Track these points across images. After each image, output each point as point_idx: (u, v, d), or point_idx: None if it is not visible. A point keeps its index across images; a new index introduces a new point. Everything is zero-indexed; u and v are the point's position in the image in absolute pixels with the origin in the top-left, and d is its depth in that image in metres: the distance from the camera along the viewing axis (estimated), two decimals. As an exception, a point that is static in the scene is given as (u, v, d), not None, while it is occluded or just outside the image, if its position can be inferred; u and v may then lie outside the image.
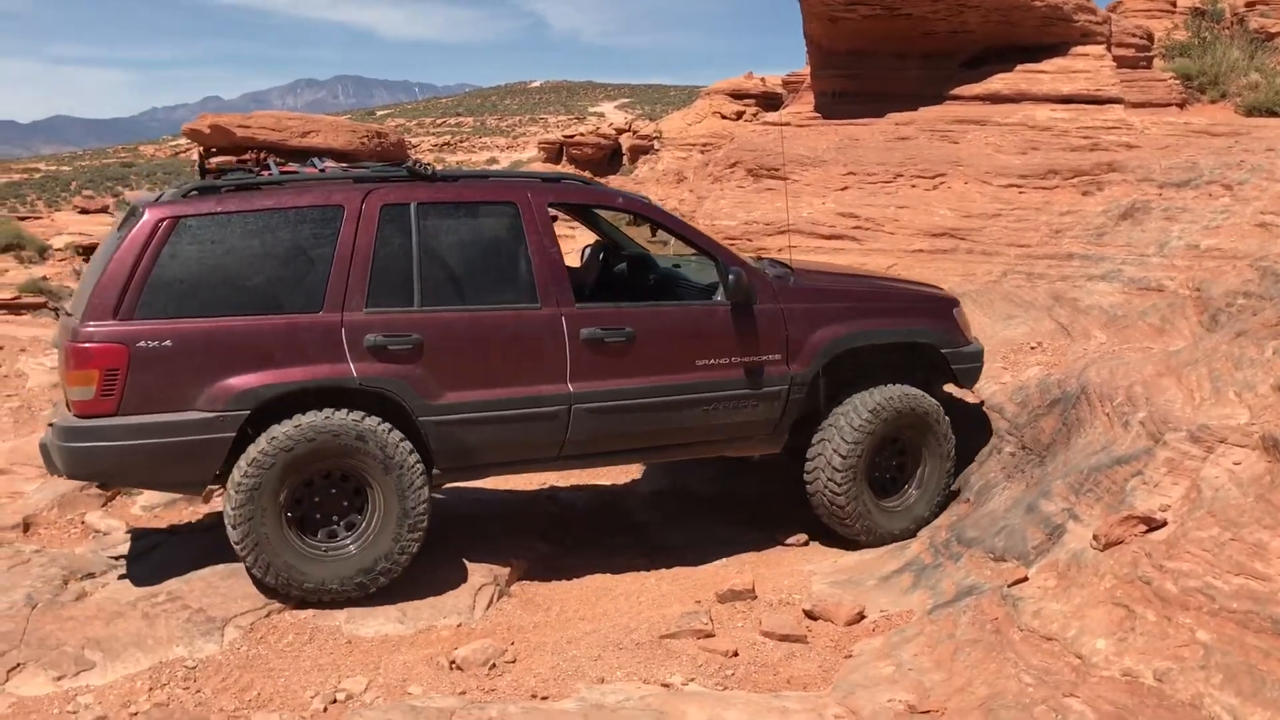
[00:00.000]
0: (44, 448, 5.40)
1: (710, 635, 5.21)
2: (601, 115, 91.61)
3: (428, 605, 5.56)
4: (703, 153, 33.82)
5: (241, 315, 5.18)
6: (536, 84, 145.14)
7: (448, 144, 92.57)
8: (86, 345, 4.98)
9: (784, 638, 5.17)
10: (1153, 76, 12.72)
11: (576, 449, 5.83)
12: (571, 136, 52.72)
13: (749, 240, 10.35)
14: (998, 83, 11.86)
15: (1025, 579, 4.95)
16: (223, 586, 5.53)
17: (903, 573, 5.84)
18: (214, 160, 6.08)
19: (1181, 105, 12.40)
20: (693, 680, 4.78)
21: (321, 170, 5.87)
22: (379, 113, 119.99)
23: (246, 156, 6.08)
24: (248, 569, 5.36)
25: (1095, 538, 4.82)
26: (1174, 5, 16.29)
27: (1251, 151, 9.14)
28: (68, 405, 5.22)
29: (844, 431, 6.16)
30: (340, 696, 4.72)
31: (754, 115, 42.88)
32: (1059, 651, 4.23)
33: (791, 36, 13.59)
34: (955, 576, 5.48)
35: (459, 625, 5.45)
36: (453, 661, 5.00)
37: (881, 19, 11.89)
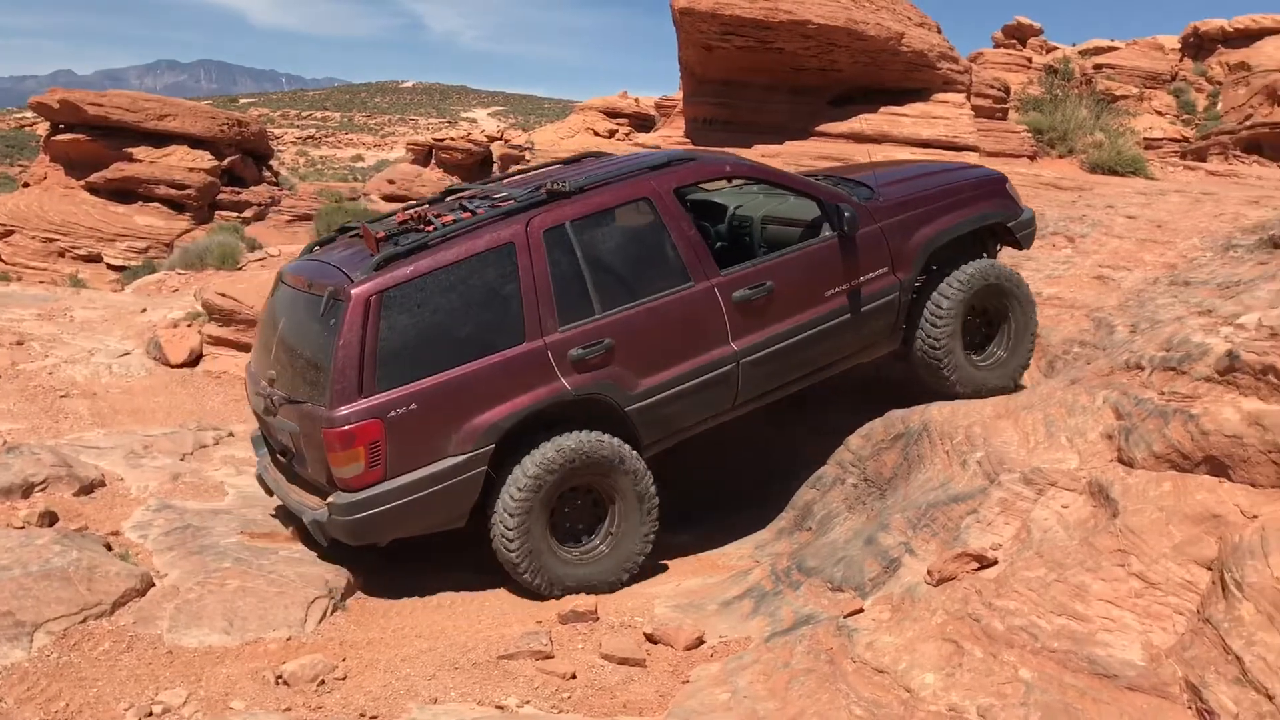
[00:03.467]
0: (316, 525, 5.80)
1: (549, 657, 5.14)
2: (474, 121, 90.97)
3: (256, 616, 5.36)
4: (573, 167, 33.90)
5: (464, 363, 5.68)
6: (409, 84, 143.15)
7: (312, 138, 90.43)
8: (347, 429, 5.47)
9: (623, 661, 5.14)
10: (1007, 128, 13.28)
11: (746, 397, 6.50)
12: (442, 140, 52.10)
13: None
14: (861, 122, 12.21)
15: (861, 610, 5.04)
16: (36, 589, 5.21)
17: (744, 599, 5.89)
18: (369, 224, 6.39)
19: (1032, 158, 12.98)
20: (528, 703, 4.71)
21: (474, 212, 6.14)
22: (242, 100, 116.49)
23: (404, 216, 6.31)
24: (519, 576, 5.88)
25: (929, 573, 4.95)
26: (1029, 61, 17.07)
27: (1093, 207, 9.61)
28: (330, 483, 5.69)
29: (939, 303, 6.86)
30: (156, 710, 4.49)
31: (626, 135, 43.18)
32: (889, 684, 4.31)
33: (667, 60, 13.80)
34: (794, 605, 5.55)
35: (288, 639, 5.26)
36: (280, 676, 4.82)
37: (755, 51, 12.12)
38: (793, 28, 11.74)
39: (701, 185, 7.47)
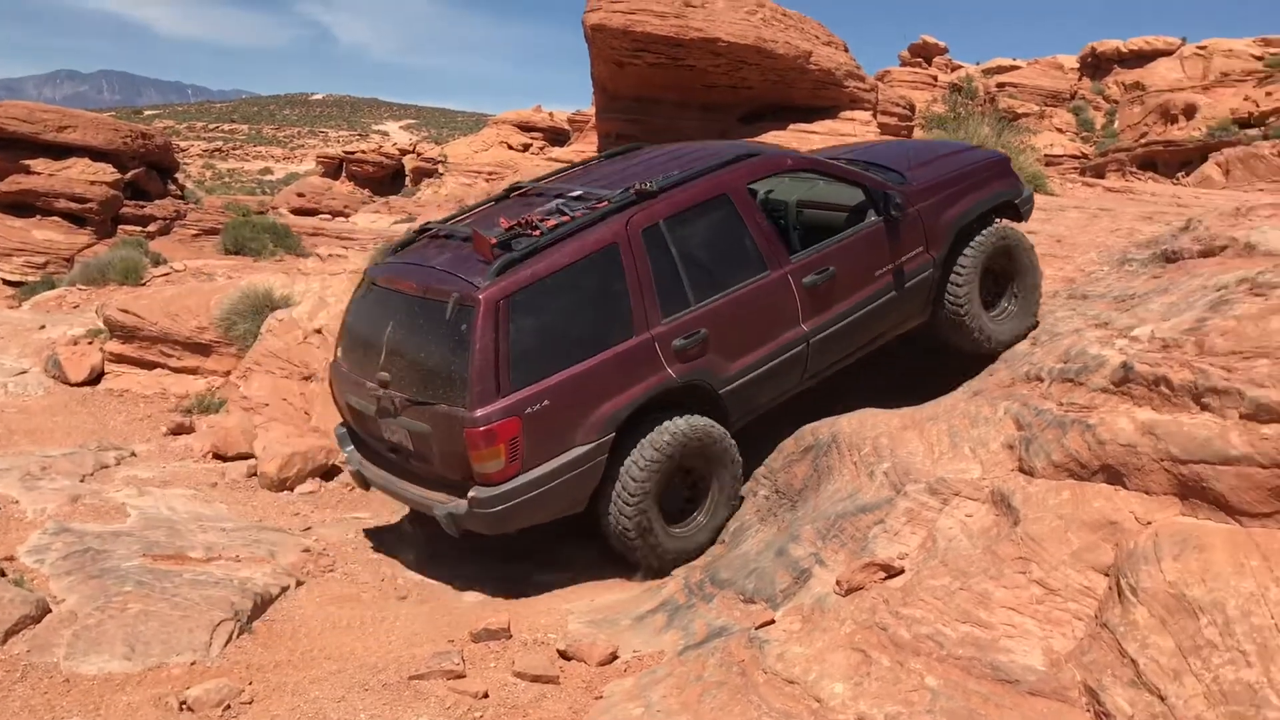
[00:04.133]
0: (450, 518, 6.06)
1: (461, 676, 5.09)
2: (386, 134, 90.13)
3: (159, 641, 5.22)
4: (488, 180, 33.72)
5: (584, 359, 6.01)
6: (319, 96, 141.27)
7: (219, 150, 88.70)
8: (489, 428, 5.75)
9: (536, 678, 5.12)
10: (913, 145, 13.55)
11: (813, 372, 6.98)
12: (353, 153, 51.54)
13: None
14: (771, 139, 12.36)
15: (772, 622, 5.09)
16: (-76, 618, 5.02)
17: (657, 613, 5.90)
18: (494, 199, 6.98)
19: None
20: (440, 722, 4.66)
21: (572, 215, 6.40)
22: (147, 112, 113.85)
23: (509, 222, 6.46)
24: (632, 552, 6.27)
25: (838, 583, 5.02)
26: (935, 80, 17.47)
27: (995, 222, 9.82)
28: (465, 479, 6.00)
29: (959, 274, 7.42)
30: (52, 742, 4.35)
31: (541, 149, 43.18)
32: (799, 695, 4.36)
33: (581, 74, 13.76)
34: (707, 617, 5.58)
35: (193, 663, 5.14)
36: (183, 702, 4.70)
37: (666, 68, 12.21)
38: (703, 45, 11.85)
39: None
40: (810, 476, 6.46)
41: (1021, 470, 5.23)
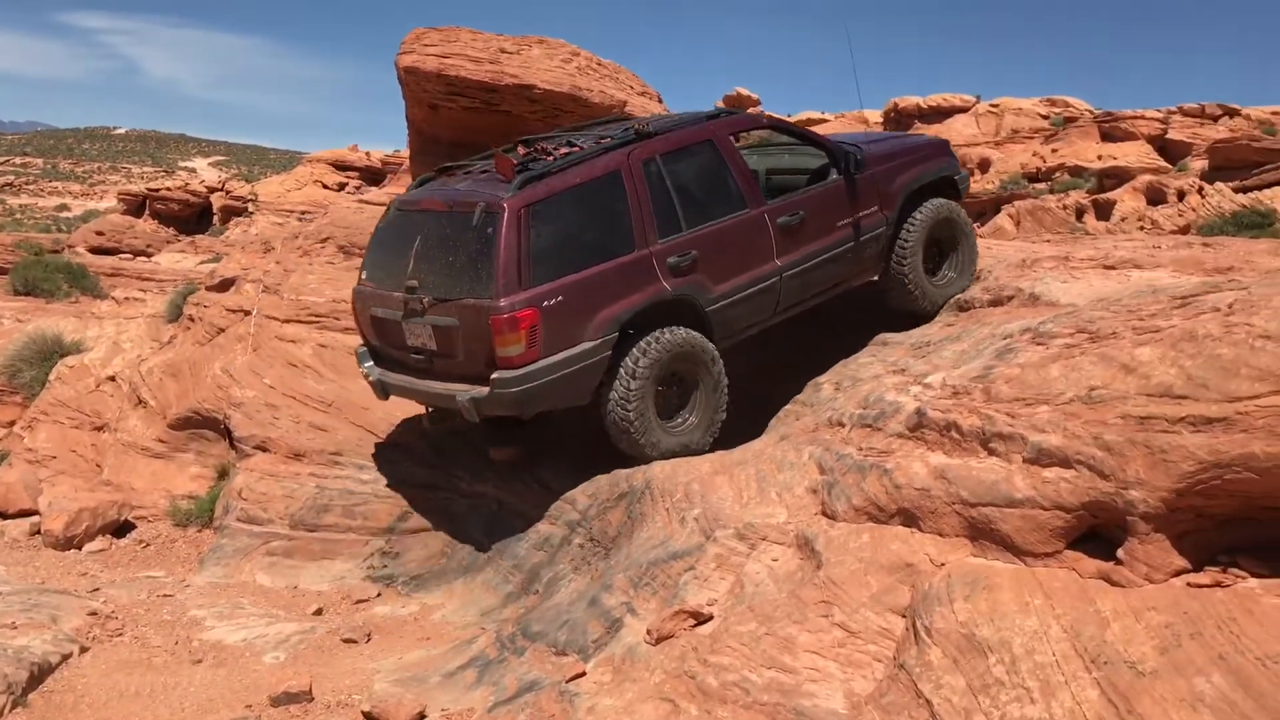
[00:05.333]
0: (472, 403, 6.69)
1: (258, 743, 4.86)
2: (193, 171, 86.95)
3: (-82, 722, 4.79)
4: (300, 220, 32.80)
5: (594, 265, 6.84)
6: (122, 131, 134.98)
7: (10, 185, 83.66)
8: (514, 314, 6.50)
9: (339, 743, 4.92)
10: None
11: (783, 306, 7.77)
12: (157, 190, 49.32)
13: (336, 319, 10.05)
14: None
15: (584, 674, 5.04)
16: None
17: (467, 669, 5.77)
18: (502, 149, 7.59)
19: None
20: (233, 796, 4.42)
21: (581, 147, 7.31)
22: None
23: (525, 151, 7.41)
24: (630, 439, 6.87)
25: (649, 632, 5.02)
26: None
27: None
28: (488, 366, 6.63)
29: (906, 236, 8.31)
30: None
31: (357, 188, 42.39)
32: (609, 748, 4.32)
33: (398, 114, 13.55)
34: (518, 671, 5.49)
35: (-44, 745, 4.73)
36: (-58, 789, 4.31)
37: (481, 112, 12.14)
38: (519, 91, 11.85)
39: (751, 130, 8.90)
40: (624, 524, 6.46)
41: (825, 514, 5.37)
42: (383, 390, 7.62)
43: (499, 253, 6.59)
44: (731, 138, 7.88)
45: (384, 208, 12.52)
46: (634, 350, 6.92)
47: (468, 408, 6.76)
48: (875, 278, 8.43)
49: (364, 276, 7.77)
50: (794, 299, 7.88)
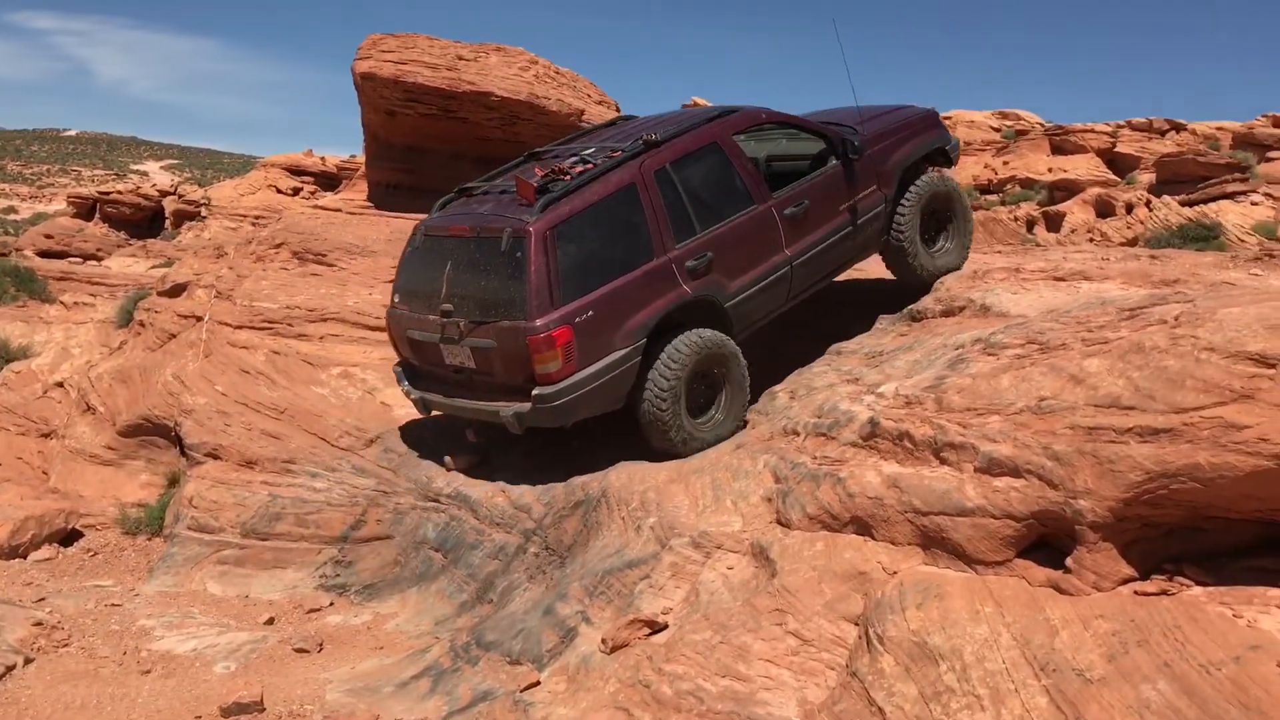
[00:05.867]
0: (517, 417, 6.97)
1: (208, 755, 4.79)
2: (145, 174, 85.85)
3: None
4: (254, 224, 32.50)
5: (618, 278, 7.06)
6: (72, 133, 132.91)
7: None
8: (549, 334, 6.79)
9: (290, 754, 4.87)
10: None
11: (795, 292, 8.06)
12: (108, 193, 48.50)
13: (290, 325, 9.97)
14: (544, 192, 12.39)
15: (538, 683, 5.03)
16: None
17: (421, 678, 5.73)
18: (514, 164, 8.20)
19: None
20: (182, 809, 4.36)
21: (595, 163, 7.53)
22: None
23: (543, 171, 7.53)
24: (667, 436, 7.00)
25: (604, 641, 5.02)
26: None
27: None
28: (528, 382, 6.91)
29: (903, 209, 8.60)
30: None
31: (312, 193, 41.95)
32: (563, 758, 4.31)
33: (354, 118, 13.48)
34: (473, 681, 5.46)
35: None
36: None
37: (438, 119, 12.11)
38: (476, 98, 11.83)
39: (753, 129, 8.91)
40: (580, 532, 6.45)
41: (780, 522, 5.40)
42: (424, 407, 7.94)
43: (530, 276, 6.86)
44: (734, 137, 8.08)
45: (336, 211, 12.46)
46: (663, 354, 7.16)
47: (512, 422, 7.06)
48: (878, 251, 8.81)
49: (396, 300, 8.02)
50: (805, 284, 8.19)
